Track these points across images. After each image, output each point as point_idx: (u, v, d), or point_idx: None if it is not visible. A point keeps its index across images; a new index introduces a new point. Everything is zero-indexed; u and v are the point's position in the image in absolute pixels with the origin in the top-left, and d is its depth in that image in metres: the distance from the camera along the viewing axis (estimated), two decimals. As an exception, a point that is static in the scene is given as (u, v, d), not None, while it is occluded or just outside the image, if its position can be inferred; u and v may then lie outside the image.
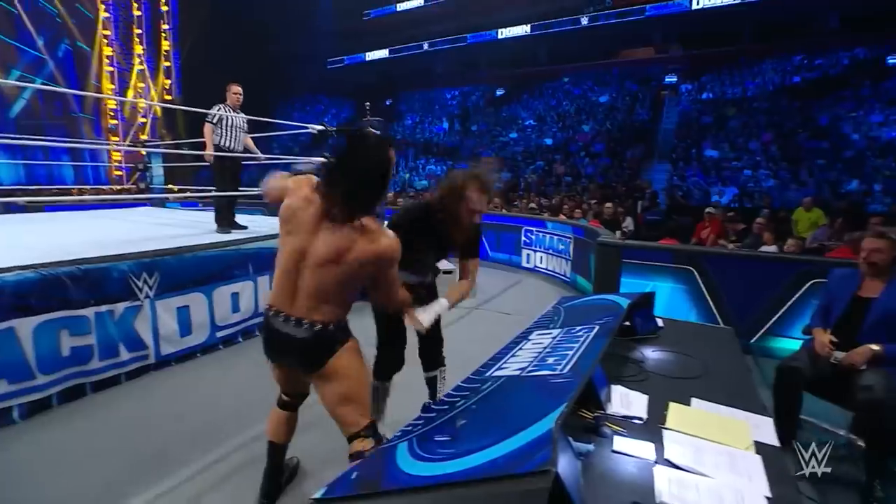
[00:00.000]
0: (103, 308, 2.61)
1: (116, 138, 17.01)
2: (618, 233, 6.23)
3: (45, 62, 15.00)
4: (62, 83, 14.85)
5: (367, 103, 4.94)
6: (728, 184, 10.52)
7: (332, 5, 23.36)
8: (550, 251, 6.03)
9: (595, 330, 1.85)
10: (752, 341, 3.44)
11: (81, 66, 16.08)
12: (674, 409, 1.42)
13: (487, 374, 1.58)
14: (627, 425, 1.34)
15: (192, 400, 2.66)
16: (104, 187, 12.72)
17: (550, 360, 1.57)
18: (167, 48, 18.57)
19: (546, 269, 6.14)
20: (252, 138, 4.57)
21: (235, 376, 3.00)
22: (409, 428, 1.30)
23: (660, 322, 2.30)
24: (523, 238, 6.52)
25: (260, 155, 4.54)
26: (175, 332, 3.08)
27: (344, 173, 1.43)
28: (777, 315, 3.42)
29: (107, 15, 16.69)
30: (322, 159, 5.27)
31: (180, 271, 3.10)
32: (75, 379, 2.52)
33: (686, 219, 7.75)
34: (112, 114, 16.96)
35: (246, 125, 4.38)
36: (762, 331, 3.47)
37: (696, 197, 10.32)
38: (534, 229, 6.37)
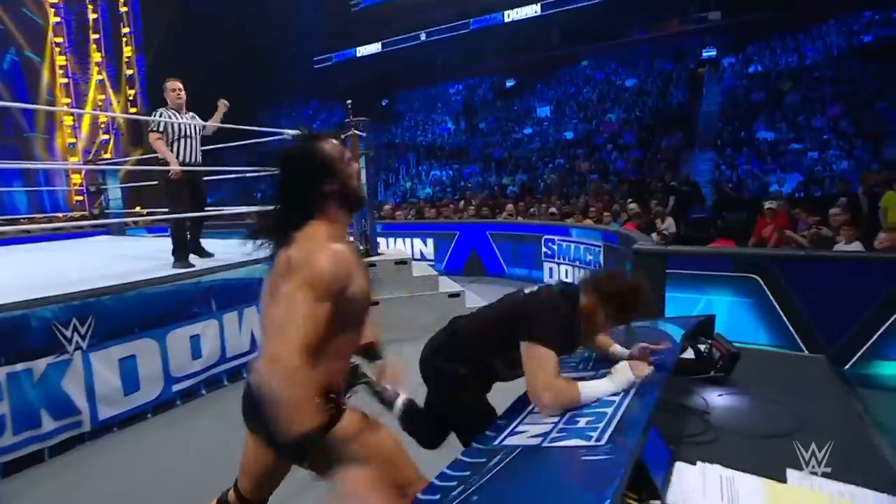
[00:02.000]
0: (18, 367, 2.43)
1: (76, 158, 17.22)
2: (654, 235, 6.00)
3: (-13, 74, 15.29)
4: (10, 98, 15.09)
5: (349, 101, 4.80)
6: (790, 170, 10.16)
7: (317, -2, 23.79)
8: (577, 263, 5.86)
9: (642, 374, 1.60)
10: (846, 367, 3.13)
11: (32, 79, 16.38)
12: (768, 490, 1.14)
13: (496, 442, 1.33)
14: (701, 524, 1.06)
15: (137, 476, 2.44)
16: (60, 214, 12.80)
17: (582, 422, 1.32)
18: (129, 54, 18.93)
19: (574, 286, 5.92)
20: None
21: (196, 440, 2.80)
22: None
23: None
24: (544, 249, 6.39)
25: (213, 126, 4.29)
26: (118, 389, 2.91)
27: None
28: (879, 332, 3.10)
29: (58, 20, 17.07)
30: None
31: (122, 314, 2.95)
32: (-18, 459, 2.31)
33: (740, 214, 7.45)
34: (69, 131, 17.24)
35: (199, 128, 4.21)
36: (860, 353, 3.15)
37: (751, 188, 9.99)
38: (556, 238, 6.24)
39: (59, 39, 16.99)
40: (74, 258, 4.72)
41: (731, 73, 14.74)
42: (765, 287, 3.44)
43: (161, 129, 3.98)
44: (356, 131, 4.60)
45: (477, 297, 5.09)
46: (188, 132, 4.08)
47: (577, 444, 1.19)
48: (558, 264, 6.21)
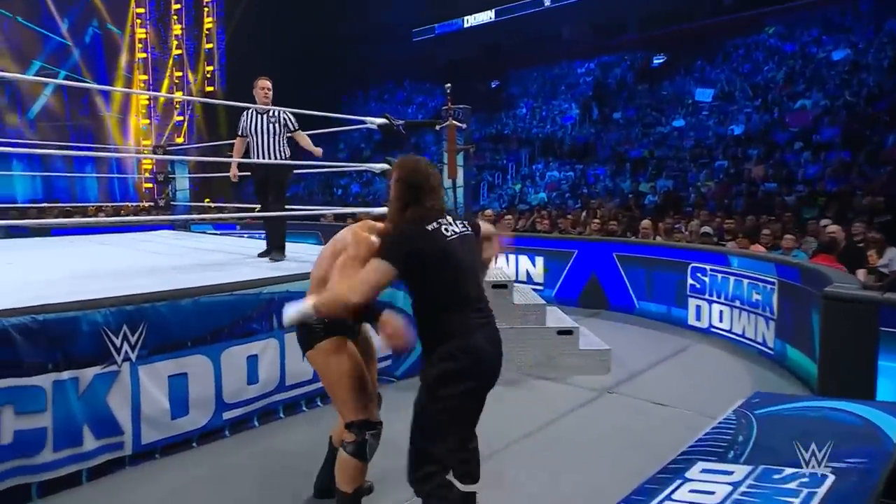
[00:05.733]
0: (65, 375, 2.70)
1: (149, 142, 19.37)
2: (861, 273, 5.46)
3: (69, 50, 17.68)
4: (89, 75, 17.43)
5: (448, 85, 4.92)
6: None
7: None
8: (737, 303, 5.50)
9: (828, 484, 1.42)
10: None
11: (112, 53, 18.81)
12: None
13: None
14: None
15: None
16: (129, 204, 14.44)
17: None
18: (210, 26, 21.07)
19: (729, 333, 5.61)
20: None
21: (239, 479, 2.95)
22: None
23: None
24: (690, 280, 6.08)
25: (316, 150, 4.95)
26: (164, 410, 3.10)
27: None
28: None
29: (141, -11, 19.43)
30: (385, 165, 5.37)
31: (176, 324, 3.15)
32: (16, 477, 2.58)
33: None
34: (144, 111, 19.51)
35: (291, 123, 4.77)
36: None
37: None
38: (707, 267, 5.90)
39: (141, 10, 19.41)
40: (133, 255, 5.27)
41: None
42: None
43: (242, 133, 4.73)
44: (454, 121, 4.69)
45: (595, 336, 4.93)
46: (266, 130, 4.66)
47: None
48: (709, 302, 5.84)
